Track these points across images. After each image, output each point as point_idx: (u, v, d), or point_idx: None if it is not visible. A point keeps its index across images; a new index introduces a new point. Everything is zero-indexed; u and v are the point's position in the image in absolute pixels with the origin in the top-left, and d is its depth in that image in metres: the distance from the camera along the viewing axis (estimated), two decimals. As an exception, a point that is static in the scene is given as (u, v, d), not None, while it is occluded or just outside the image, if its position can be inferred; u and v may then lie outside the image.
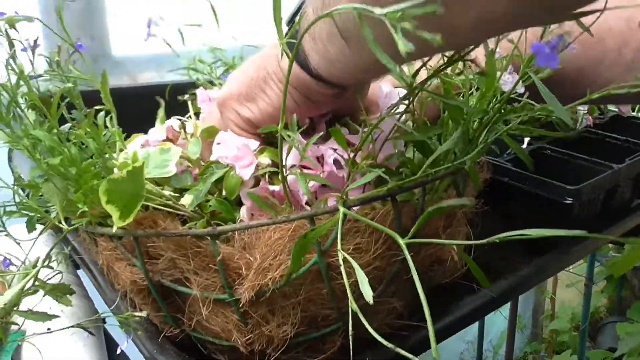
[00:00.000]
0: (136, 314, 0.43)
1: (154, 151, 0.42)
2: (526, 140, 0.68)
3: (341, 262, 0.30)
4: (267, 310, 0.38)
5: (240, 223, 0.37)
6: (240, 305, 0.37)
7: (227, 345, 0.41)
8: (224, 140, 0.42)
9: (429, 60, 0.36)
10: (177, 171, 0.41)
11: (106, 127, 0.46)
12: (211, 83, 0.71)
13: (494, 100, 0.37)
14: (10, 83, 0.41)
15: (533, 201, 0.58)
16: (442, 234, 0.40)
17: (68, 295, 0.43)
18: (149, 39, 0.58)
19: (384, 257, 0.37)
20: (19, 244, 0.47)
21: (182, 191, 0.42)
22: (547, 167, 0.56)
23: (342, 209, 0.33)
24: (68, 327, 0.47)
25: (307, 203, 0.39)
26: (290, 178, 0.37)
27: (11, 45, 0.41)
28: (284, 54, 0.35)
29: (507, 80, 0.37)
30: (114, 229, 0.37)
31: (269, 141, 0.44)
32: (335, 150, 0.39)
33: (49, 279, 0.45)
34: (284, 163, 0.36)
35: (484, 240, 0.28)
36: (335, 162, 0.39)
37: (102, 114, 0.45)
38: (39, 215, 0.45)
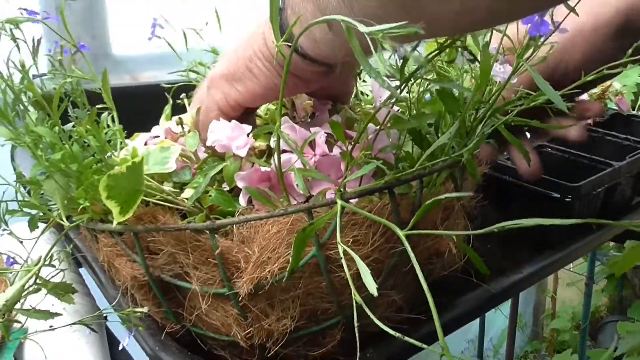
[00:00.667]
0: (137, 309, 0.43)
1: (154, 149, 0.42)
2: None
3: (342, 254, 0.30)
4: (267, 304, 0.38)
5: (239, 216, 0.38)
6: (240, 298, 0.37)
7: (227, 340, 0.41)
8: (216, 129, 0.42)
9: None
10: (176, 167, 0.42)
11: (108, 125, 0.47)
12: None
13: (489, 91, 0.38)
14: (13, 81, 0.42)
15: (533, 199, 0.58)
16: (440, 227, 0.40)
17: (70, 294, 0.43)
18: (152, 39, 0.59)
19: (382, 250, 0.37)
20: (21, 242, 0.47)
21: (182, 186, 0.42)
22: (547, 165, 0.56)
23: (340, 202, 0.33)
24: (70, 324, 0.48)
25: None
26: (284, 158, 0.37)
27: (15, 41, 0.42)
28: (271, 29, 0.35)
29: (499, 71, 0.37)
30: (114, 225, 0.38)
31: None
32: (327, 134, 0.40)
33: (51, 277, 0.45)
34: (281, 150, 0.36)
35: (482, 230, 0.28)
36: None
37: (105, 113, 0.45)
38: (41, 214, 0.45)
